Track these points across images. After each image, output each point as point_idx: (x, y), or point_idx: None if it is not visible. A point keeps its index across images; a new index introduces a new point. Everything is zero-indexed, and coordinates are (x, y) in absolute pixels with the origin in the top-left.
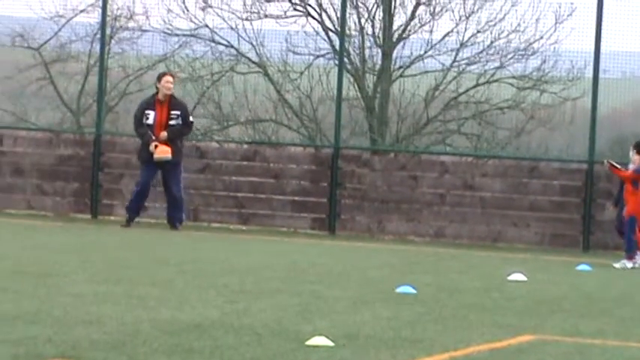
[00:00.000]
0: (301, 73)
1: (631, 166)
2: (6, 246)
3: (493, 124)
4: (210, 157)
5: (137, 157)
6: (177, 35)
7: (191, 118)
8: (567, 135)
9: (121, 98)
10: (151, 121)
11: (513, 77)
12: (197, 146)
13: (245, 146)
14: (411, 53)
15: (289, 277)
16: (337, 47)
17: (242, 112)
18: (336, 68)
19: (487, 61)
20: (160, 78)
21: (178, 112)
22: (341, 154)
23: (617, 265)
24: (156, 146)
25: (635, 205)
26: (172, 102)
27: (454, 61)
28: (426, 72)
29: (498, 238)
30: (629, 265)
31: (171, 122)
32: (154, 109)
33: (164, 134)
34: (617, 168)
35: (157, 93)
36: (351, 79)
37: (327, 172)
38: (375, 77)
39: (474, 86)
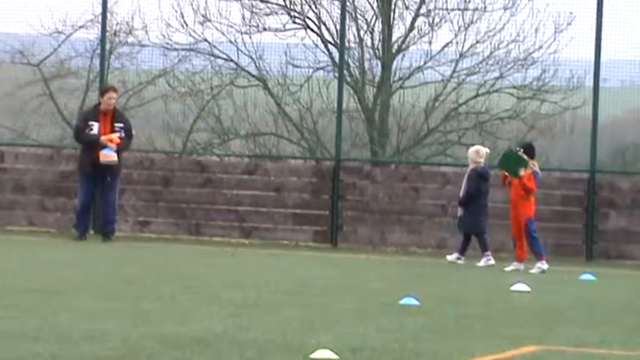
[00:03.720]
0: (301, 86)
1: (526, 170)
2: (8, 263)
3: (494, 134)
4: (211, 171)
5: (78, 169)
6: (176, 50)
7: (133, 131)
8: (568, 144)
9: None
10: (95, 131)
11: (513, 87)
12: (198, 160)
13: (246, 160)
14: (411, 64)
15: (292, 291)
16: (337, 59)
17: (242, 125)
18: (336, 80)
19: (487, 72)
20: (102, 93)
21: (122, 125)
22: (342, 167)
23: (534, 271)
24: (102, 146)
25: (530, 206)
26: (116, 114)
27: (454, 71)
28: (426, 83)
29: (500, 249)
30: (546, 265)
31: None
32: (97, 121)
33: (115, 135)
34: (520, 163)
35: (99, 105)
36: (351, 91)
37: (328, 185)
38: (374, 89)
39: (474, 97)
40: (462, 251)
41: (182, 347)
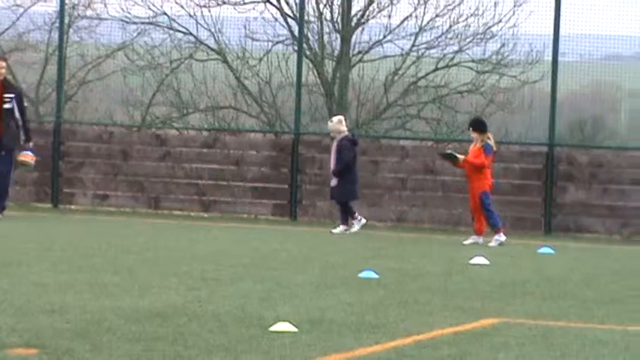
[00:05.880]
0: (260, 60)
1: (476, 145)
2: None
3: (453, 108)
4: (170, 144)
5: None
6: (135, 23)
7: (25, 104)
8: (527, 118)
9: (80, 87)
10: None
11: (472, 61)
12: (157, 134)
13: (205, 133)
14: (370, 38)
15: (251, 264)
16: (296, 33)
17: (201, 99)
18: (295, 54)
19: (446, 45)
20: None
21: (12, 95)
22: (301, 140)
23: (492, 244)
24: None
25: (485, 180)
26: (5, 85)
27: (413, 45)
28: (385, 57)
29: (460, 222)
30: (503, 237)
31: (6, 105)
32: None
33: (30, 144)
34: (454, 158)
35: None
36: (310, 65)
37: (287, 158)
38: (334, 63)
39: (434, 70)
40: (346, 221)
41: (141, 320)
